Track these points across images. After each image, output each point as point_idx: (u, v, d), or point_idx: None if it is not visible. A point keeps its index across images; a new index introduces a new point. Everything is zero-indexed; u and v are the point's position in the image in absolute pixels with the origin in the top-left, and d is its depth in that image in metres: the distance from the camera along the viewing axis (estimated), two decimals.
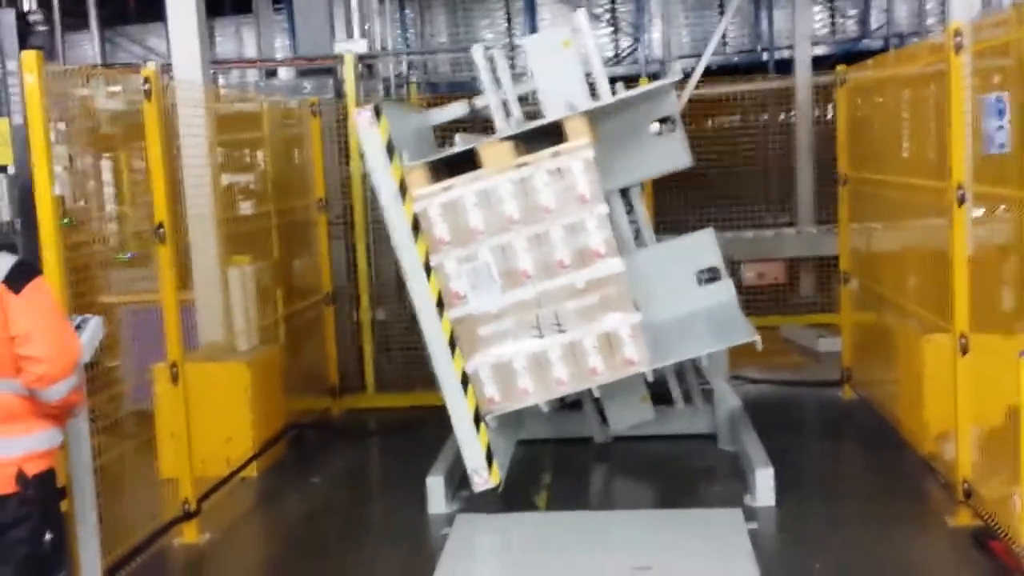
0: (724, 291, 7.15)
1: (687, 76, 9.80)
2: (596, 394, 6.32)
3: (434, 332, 6.12)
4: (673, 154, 7.34)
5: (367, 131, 6.02)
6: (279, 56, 14.24)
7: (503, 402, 6.15)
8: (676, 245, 7.36)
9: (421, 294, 6.11)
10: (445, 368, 6.13)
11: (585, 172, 5.97)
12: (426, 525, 6.24)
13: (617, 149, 7.15)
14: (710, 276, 7.18)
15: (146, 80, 5.83)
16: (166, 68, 7.85)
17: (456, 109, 6.99)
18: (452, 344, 6.11)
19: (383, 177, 6.06)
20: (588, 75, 6.63)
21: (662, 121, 7.33)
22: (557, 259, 6.04)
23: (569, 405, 7.30)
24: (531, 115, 6.86)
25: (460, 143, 6.35)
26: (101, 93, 6.68)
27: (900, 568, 5.35)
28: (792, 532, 5.90)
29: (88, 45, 15.34)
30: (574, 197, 5.99)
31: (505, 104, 6.71)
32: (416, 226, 6.07)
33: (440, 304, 6.10)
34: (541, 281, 6.04)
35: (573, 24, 6.67)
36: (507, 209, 6.02)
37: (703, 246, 7.22)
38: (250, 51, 15.23)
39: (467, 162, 6.15)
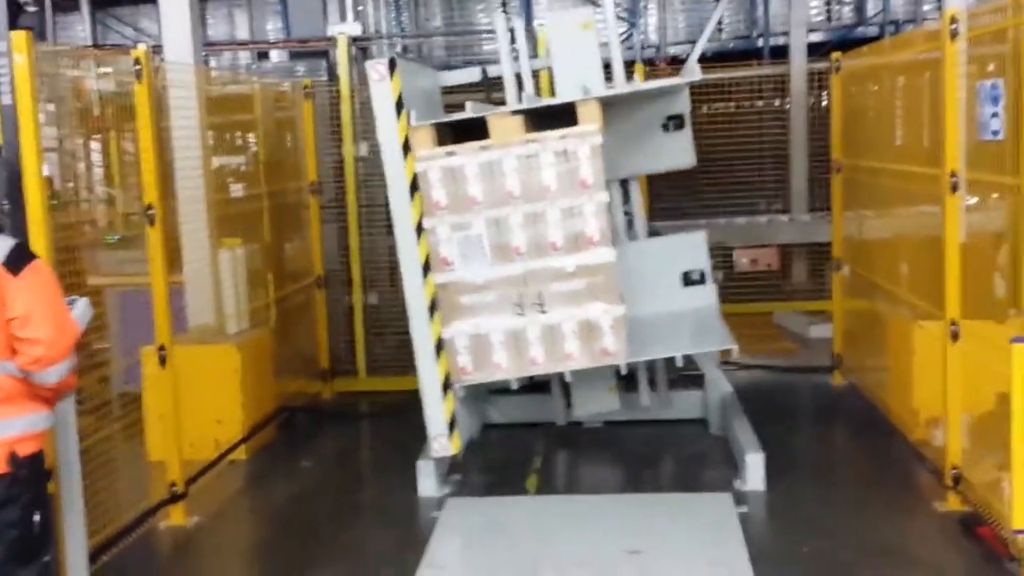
0: (707, 295, 7.19)
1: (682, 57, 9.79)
2: (568, 379, 6.33)
3: (416, 293, 6.13)
4: (679, 153, 7.34)
5: (379, 84, 5.99)
6: (271, 38, 14.17)
7: (475, 373, 6.17)
8: (666, 243, 7.39)
9: (408, 254, 6.11)
10: (421, 331, 6.14)
11: (591, 158, 5.97)
12: (416, 508, 6.24)
13: (623, 140, 7.15)
14: (695, 279, 7.21)
15: (137, 61, 5.80)
16: (157, 50, 7.80)
17: (468, 74, 6.97)
18: (432, 308, 6.11)
19: (389, 132, 6.04)
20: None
21: (672, 118, 7.32)
22: (550, 240, 6.03)
23: (538, 387, 7.33)
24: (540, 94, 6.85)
25: (471, 110, 6.34)
26: (91, 74, 6.63)
27: (888, 553, 5.35)
28: (781, 517, 5.91)
29: (79, 26, 15.27)
30: (576, 181, 5.98)
31: (518, 78, 6.70)
32: (414, 185, 6.06)
33: (426, 267, 6.10)
34: (531, 259, 6.05)
35: (597, 7, 6.68)
36: (508, 183, 6.01)
37: (693, 248, 7.25)
38: (242, 33, 15.16)
39: (474, 131, 6.12)
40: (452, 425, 6.19)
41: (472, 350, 6.13)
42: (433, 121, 6.20)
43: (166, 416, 6.05)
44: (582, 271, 6.03)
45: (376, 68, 6.00)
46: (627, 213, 7.47)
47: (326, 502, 6.51)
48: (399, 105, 6.02)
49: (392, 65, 6.00)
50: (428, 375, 6.17)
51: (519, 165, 6.00)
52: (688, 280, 7.22)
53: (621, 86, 6.50)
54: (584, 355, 6.10)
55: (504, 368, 6.16)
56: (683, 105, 7.28)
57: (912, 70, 6.72)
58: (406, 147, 6.02)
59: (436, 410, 6.17)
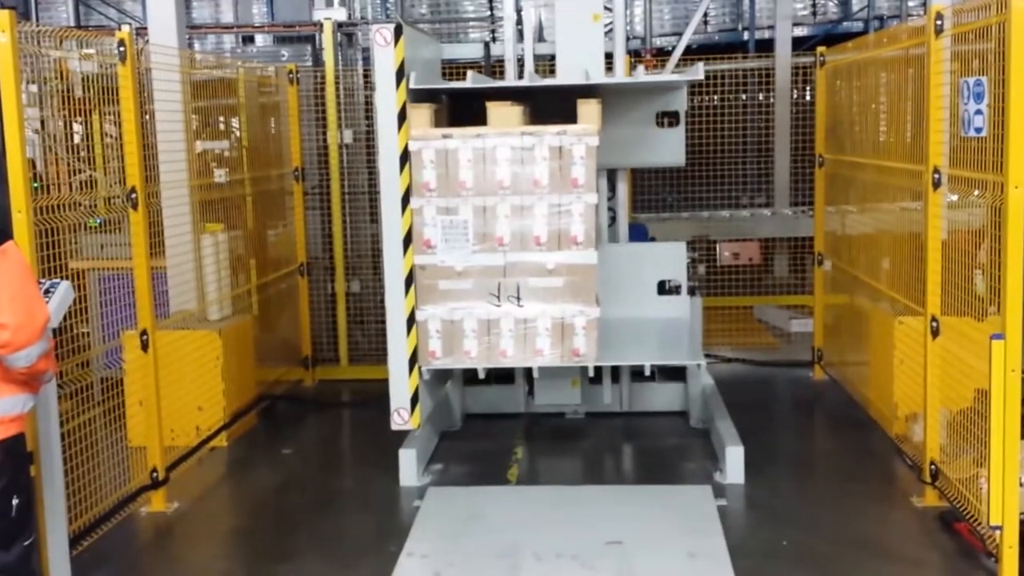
0: (680, 307, 7.24)
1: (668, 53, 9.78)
2: (535, 374, 6.40)
3: (394, 268, 6.12)
4: (670, 150, 7.41)
5: (383, 50, 5.95)
6: (256, 22, 14.07)
7: (444, 359, 6.20)
8: (646, 250, 7.46)
9: (391, 228, 6.10)
10: (395, 305, 6.14)
11: (585, 158, 5.99)
12: (398, 497, 6.24)
13: (617, 131, 7.18)
14: (672, 288, 7.28)
15: (121, 43, 5.75)
16: (141, 32, 7.75)
17: (471, 49, 6.97)
18: (408, 282, 6.11)
19: (387, 100, 6.00)
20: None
21: (667, 115, 7.34)
22: (535, 235, 6.05)
23: (505, 375, 7.39)
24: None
25: (471, 80, 6.31)
26: (74, 55, 6.58)
27: (866, 547, 5.39)
28: (761, 509, 5.94)
29: (62, 7, 15.10)
30: (568, 179, 6.00)
31: (520, 61, 6.71)
32: (405, 157, 6.03)
33: (407, 240, 6.09)
34: (513, 252, 6.07)
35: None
36: (499, 173, 6.02)
37: (672, 258, 7.31)
38: (227, 17, 15.02)
39: (469, 104, 6.07)
40: (415, 401, 6.19)
41: (443, 336, 6.15)
42: (432, 86, 6.21)
43: (148, 401, 6.03)
44: (562, 269, 6.06)
45: (381, 33, 5.95)
46: (611, 209, 7.49)
47: (307, 490, 6.50)
48: (400, 73, 5.97)
49: (398, 32, 5.96)
50: (397, 348, 6.17)
51: (513, 156, 6.01)
52: (664, 289, 7.29)
53: (621, 76, 6.51)
54: (554, 353, 6.15)
55: (473, 357, 6.19)
56: (680, 103, 7.31)
57: (897, 66, 6.74)
58: (402, 116, 5.99)
59: (401, 384, 6.18)
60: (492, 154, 6.01)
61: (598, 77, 6.44)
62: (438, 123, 6.14)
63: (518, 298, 6.08)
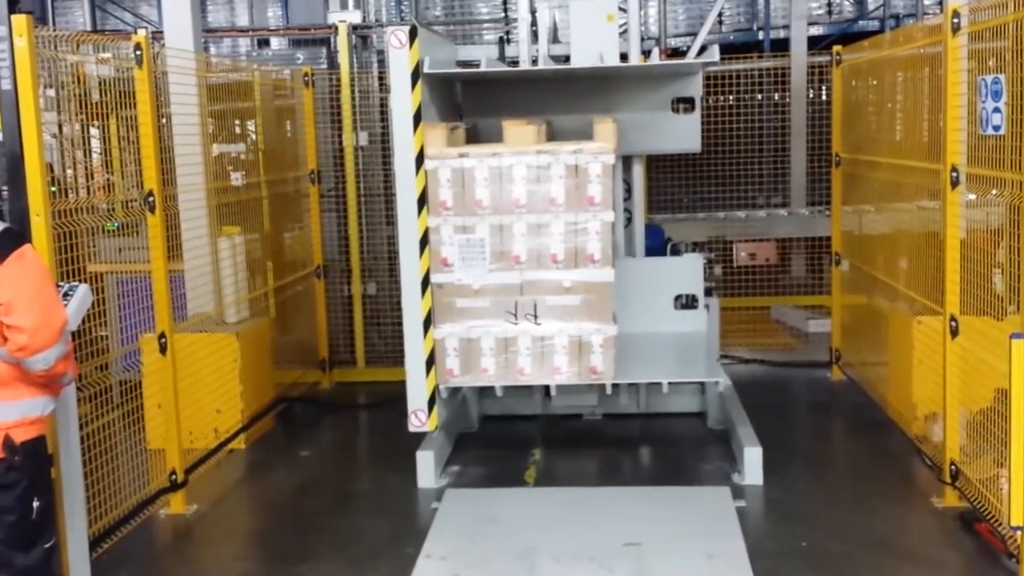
0: (698, 321, 7.23)
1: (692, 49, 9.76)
2: (552, 392, 6.39)
3: (410, 269, 6.12)
4: (686, 136, 7.39)
5: (398, 52, 5.96)
6: (272, 26, 14.11)
7: (461, 376, 6.20)
8: (663, 264, 7.45)
9: (408, 229, 6.10)
10: (411, 306, 6.14)
11: (601, 176, 6.00)
12: (415, 499, 6.25)
13: (632, 117, 7.20)
14: (688, 303, 7.30)
15: (137, 47, 5.77)
16: (157, 36, 7.78)
17: (484, 51, 6.99)
18: (425, 283, 6.11)
19: (402, 101, 6.00)
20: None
21: (682, 101, 7.33)
22: (551, 252, 6.07)
23: None
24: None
25: (485, 65, 6.35)
26: (91, 59, 6.61)
27: (886, 548, 5.36)
28: (779, 511, 5.91)
29: (78, 12, 15.18)
30: (584, 197, 6.00)
31: (534, 63, 6.73)
32: (421, 159, 6.03)
33: (424, 241, 6.08)
34: (530, 270, 6.09)
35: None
36: (516, 191, 6.03)
37: (688, 272, 7.30)
38: (242, 20, 15.08)
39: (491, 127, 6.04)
40: (432, 403, 6.19)
41: (461, 353, 6.16)
42: (445, 71, 6.22)
43: (166, 404, 6.05)
44: (579, 287, 6.07)
45: (396, 35, 5.96)
46: (627, 210, 7.48)
47: (325, 492, 6.51)
48: (416, 75, 5.98)
49: (413, 33, 5.97)
50: (414, 350, 6.17)
51: (529, 174, 6.02)
52: (681, 303, 7.28)
53: (635, 59, 6.53)
54: (572, 371, 6.16)
55: (491, 374, 6.20)
56: (695, 89, 7.30)
57: (913, 64, 6.71)
58: (417, 118, 6.00)
59: (418, 385, 6.18)
60: (508, 172, 6.02)
61: (612, 58, 6.43)
62: (457, 142, 6.15)
63: (535, 316, 6.09)
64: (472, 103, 7.33)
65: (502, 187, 6.03)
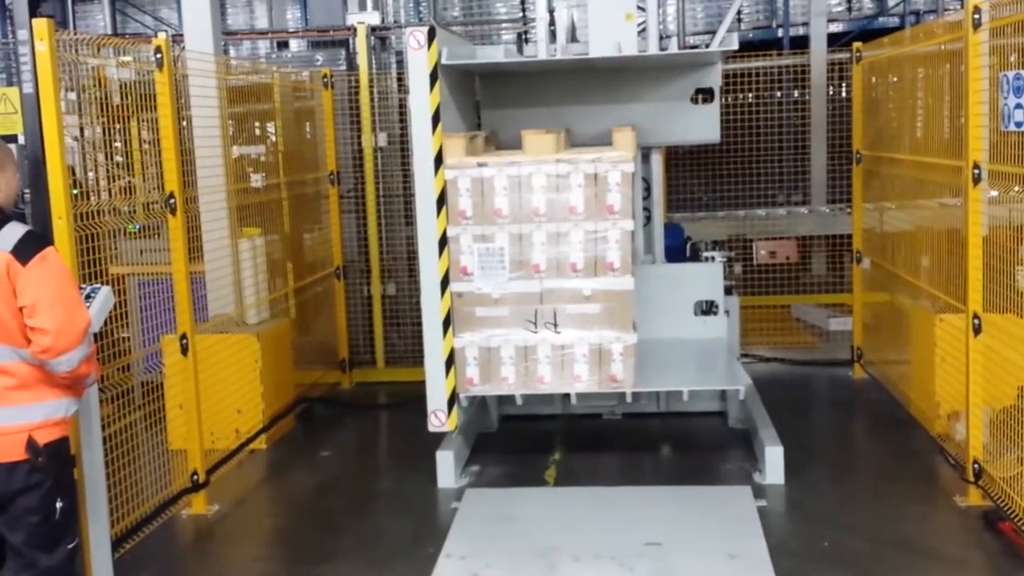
0: (718, 327, 7.20)
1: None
2: (573, 400, 6.37)
3: (430, 268, 6.12)
4: (706, 126, 7.35)
5: (416, 53, 5.96)
6: (291, 28, 14.17)
7: (481, 385, 6.20)
8: (682, 270, 7.42)
9: (427, 230, 6.10)
10: (431, 306, 6.14)
11: (620, 185, 5.99)
12: (435, 499, 6.26)
13: (651, 108, 7.19)
14: (709, 309, 7.27)
15: (158, 50, 5.80)
16: (177, 39, 7.81)
17: (503, 51, 6.99)
18: (444, 281, 6.10)
19: (421, 102, 6.00)
20: None
21: (701, 91, 7.30)
22: (571, 261, 6.06)
23: None
24: None
25: (503, 54, 6.38)
26: (112, 63, 6.65)
27: (909, 547, 5.33)
28: (801, 510, 5.89)
29: (98, 15, 15.29)
30: (603, 206, 5.99)
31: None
32: (439, 160, 6.03)
33: (443, 241, 6.08)
34: (550, 278, 6.08)
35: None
36: (535, 200, 6.03)
37: (708, 278, 7.28)
38: (261, 22, 15.15)
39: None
40: (451, 403, 6.20)
41: (481, 362, 6.16)
42: (463, 62, 6.22)
43: (188, 405, 6.08)
44: (599, 296, 6.06)
45: (415, 36, 5.96)
46: (646, 209, 7.46)
47: (345, 492, 6.53)
48: (434, 76, 5.98)
49: (431, 34, 5.97)
50: (433, 349, 6.17)
51: (548, 183, 6.01)
52: (701, 310, 7.26)
53: (654, 48, 6.51)
54: (592, 379, 6.15)
55: (511, 383, 6.19)
56: (714, 79, 7.27)
57: (934, 61, 6.67)
58: (436, 118, 6.00)
59: (438, 385, 6.18)
60: (527, 181, 6.02)
61: (629, 47, 6.42)
62: (476, 151, 6.17)
63: (555, 324, 6.09)
64: (491, 98, 7.33)
65: (521, 196, 6.03)
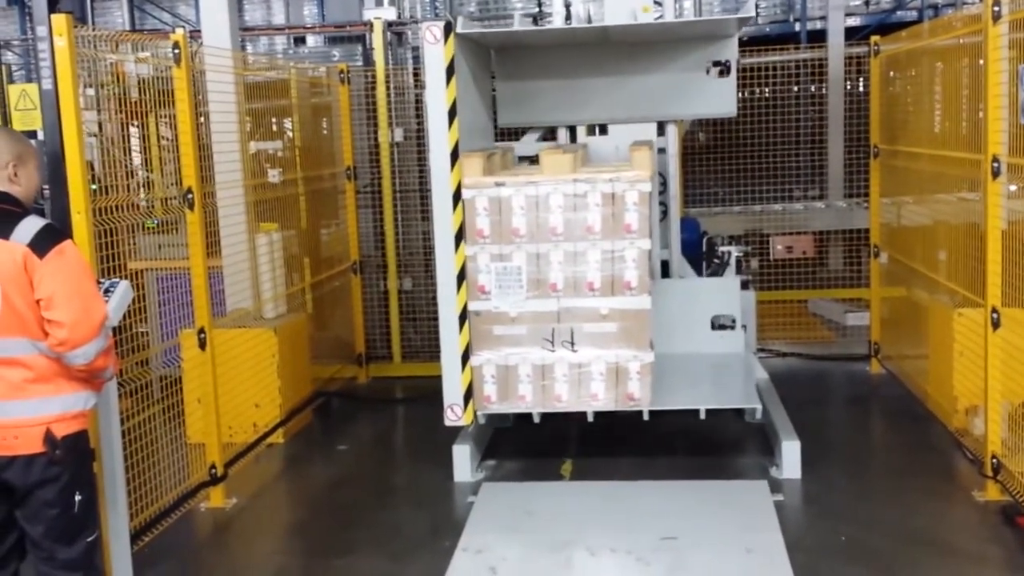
0: (735, 342, 7.18)
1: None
2: (590, 418, 6.35)
3: (445, 264, 6.12)
4: (722, 100, 7.29)
5: (432, 48, 5.96)
6: (307, 23, 14.21)
7: (498, 403, 6.21)
8: (700, 285, 7.40)
9: (443, 223, 6.09)
10: (447, 300, 6.14)
11: (638, 204, 5.98)
12: (452, 493, 6.27)
13: (666, 79, 7.17)
14: (725, 324, 7.25)
15: (176, 46, 5.83)
16: (195, 35, 7.85)
17: (517, 23, 6.98)
18: (460, 278, 6.10)
19: (437, 97, 6.00)
20: None
21: (718, 64, 7.26)
22: (588, 280, 6.05)
23: None
24: None
25: (518, 24, 6.37)
26: (130, 59, 6.68)
27: (927, 542, 5.32)
28: (818, 505, 5.88)
29: (117, 12, 15.36)
30: (621, 225, 5.99)
31: None
32: (455, 156, 6.03)
33: (459, 236, 6.08)
34: (567, 297, 6.08)
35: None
36: (552, 220, 6.03)
37: (725, 293, 7.26)
38: (278, 18, 15.20)
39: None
40: (468, 397, 6.21)
41: (498, 380, 6.17)
42: (476, 31, 6.20)
43: (206, 399, 6.11)
44: (616, 315, 6.06)
45: (431, 31, 5.96)
46: (662, 203, 7.45)
47: (362, 485, 6.55)
48: (450, 71, 5.98)
49: (447, 29, 5.96)
50: (449, 344, 6.18)
51: (565, 203, 6.01)
52: (717, 325, 7.23)
53: (669, 16, 6.49)
54: (609, 397, 6.15)
55: (528, 401, 6.20)
56: (731, 52, 7.22)
57: (953, 54, 6.63)
58: (452, 113, 6.00)
59: (454, 379, 6.19)
60: (545, 201, 6.01)
61: (646, 19, 6.39)
62: (494, 170, 6.18)
63: (572, 343, 6.09)
64: (506, 71, 7.30)
65: (539, 215, 6.03)
